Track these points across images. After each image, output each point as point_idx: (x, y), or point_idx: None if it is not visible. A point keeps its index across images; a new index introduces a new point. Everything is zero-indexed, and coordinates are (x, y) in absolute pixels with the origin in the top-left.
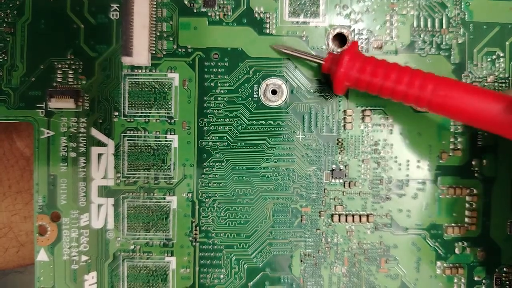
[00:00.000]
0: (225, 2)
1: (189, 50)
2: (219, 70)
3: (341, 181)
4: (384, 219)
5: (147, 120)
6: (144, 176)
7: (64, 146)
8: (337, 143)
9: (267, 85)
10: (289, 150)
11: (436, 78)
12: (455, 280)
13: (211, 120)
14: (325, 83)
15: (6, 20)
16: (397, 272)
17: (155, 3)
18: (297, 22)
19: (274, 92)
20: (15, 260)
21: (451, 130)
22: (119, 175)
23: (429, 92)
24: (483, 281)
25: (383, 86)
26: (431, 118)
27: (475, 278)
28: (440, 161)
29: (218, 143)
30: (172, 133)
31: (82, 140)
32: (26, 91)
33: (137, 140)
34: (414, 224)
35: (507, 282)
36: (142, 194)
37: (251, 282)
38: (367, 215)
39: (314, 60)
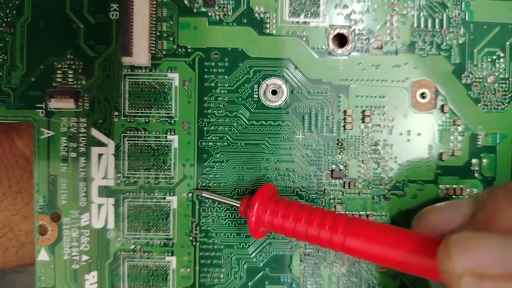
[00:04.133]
0: (225, 2)
1: (189, 50)
2: (219, 70)
3: (341, 181)
4: (383, 219)
5: (147, 120)
6: (144, 176)
7: (64, 146)
8: (337, 143)
9: (267, 85)
10: (289, 150)
11: (346, 219)
12: None
13: (211, 120)
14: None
15: (5, 20)
16: (396, 272)
17: (155, 3)
18: (297, 22)
19: (274, 92)
20: (15, 260)
21: (451, 130)
22: (120, 175)
23: (340, 234)
24: None
25: (295, 229)
26: (431, 118)
27: None
28: (440, 161)
29: (218, 143)
30: (172, 133)
31: (82, 140)
32: (26, 91)
33: (137, 140)
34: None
35: None
36: (142, 194)
37: (251, 282)
38: (367, 215)
39: (231, 203)
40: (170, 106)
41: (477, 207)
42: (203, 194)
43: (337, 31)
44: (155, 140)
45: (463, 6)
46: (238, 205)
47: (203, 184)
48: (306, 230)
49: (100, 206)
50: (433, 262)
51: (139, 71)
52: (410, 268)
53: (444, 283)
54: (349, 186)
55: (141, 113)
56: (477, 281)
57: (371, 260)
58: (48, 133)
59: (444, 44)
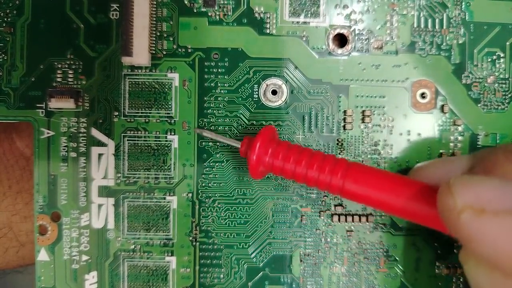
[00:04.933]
0: (225, 2)
1: (189, 50)
2: (219, 70)
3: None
4: (383, 219)
5: (147, 120)
6: (144, 176)
7: (64, 146)
8: (337, 143)
9: (267, 85)
10: None
11: (347, 163)
12: (454, 280)
13: (211, 120)
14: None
15: (5, 20)
16: (396, 272)
17: (155, 3)
18: (297, 22)
19: (274, 92)
20: (15, 260)
21: (451, 130)
22: (120, 175)
23: (340, 177)
24: None
25: (295, 171)
26: (431, 118)
27: None
28: None
29: (218, 143)
30: (172, 133)
31: (82, 140)
32: (26, 91)
33: (137, 140)
34: (413, 224)
35: None
36: (142, 194)
37: (251, 282)
38: (367, 215)
39: (232, 144)
40: (170, 106)
41: (475, 162)
42: (204, 133)
43: (337, 31)
44: (155, 140)
45: (463, 6)
46: (239, 145)
47: (203, 185)
48: (306, 172)
49: (100, 206)
50: (433, 209)
51: (139, 71)
52: (409, 214)
53: (443, 220)
54: None
55: (141, 113)
56: (476, 216)
57: (370, 204)
58: (48, 133)
59: (444, 44)
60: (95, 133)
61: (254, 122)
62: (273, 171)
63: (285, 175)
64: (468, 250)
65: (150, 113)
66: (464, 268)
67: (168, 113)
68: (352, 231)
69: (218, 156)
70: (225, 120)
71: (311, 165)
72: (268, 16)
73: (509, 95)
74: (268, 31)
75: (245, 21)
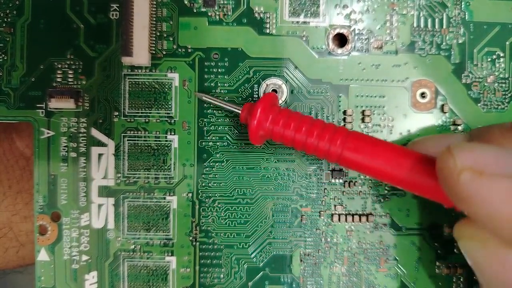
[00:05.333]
0: (225, 2)
1: (189, 50)
2: (219, 70)
3: (341, 181)
4: (383, 219)
5: (147, 120)
6: (144, 176)
7: (64, 146)
8: None
9: (267, 85)
10: (289, 150)
11: (346, 132)
12: (454, 280)
13: (211, 120)
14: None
15: (5, 20)
16: (396, 272)
17: (155, 3)
18: (297, 22)
19: (274, 92)
20: (15, 260)
21: (451, 129)
22: (120, 175)
23: (339, 145)
24: None
25: (295, 138)
26: (431, 118)
27: (474, 277)
28: None
29: (218, 143)
30: (172, 133)
31: (82, 140)
32: (26, 91)
33: (137, 140)
34: (414, 223)
35: None
36: (142, 194)
37: (251, 282)
38: (367, 215)
39: (232, 109)
40: (170, 106)
41: (472, 139)
42: (204, 98)
43: (337, 31)
44: (155, 140)
45: (463, 6)
46: (239, 111)
47: (203, 185)
48: (306, 139)
49: (100, 206)
50: (432, 179)
51: (139, 71)
52: (407, 183)
53: (442, 181)
54: (349, 186)
55: (141, 113)
56: (476, 177)
57: (368, 173)
58: (48, 133)
59: (444, 44)
60: (95, 133)
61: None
62: (273, 137)
63: (285, 142)
64: (461, 222)
65: (150, 113)
66: (459, 244)
67: (168, 113)
68: (352, 231)
69: (218, 156)
70: (225, 120)
71: (311, 132)
72: (268, 16)
73: (509, 95)
74: (268, 31)
75: (245, 21)
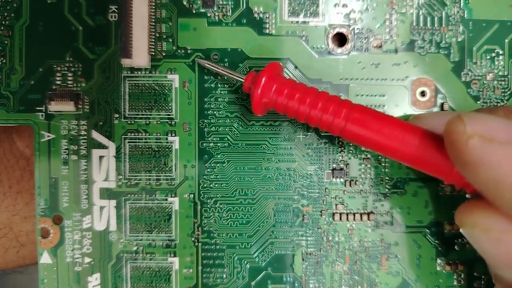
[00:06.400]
0: (224, 3)
1: (189, 51)
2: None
3: (342, 180)
4: (384, 217)
5: (147, 122)
6: (145, 177)
7: (65, 149)
8: (338, 142)
9: None
10: (290, 150)
11: (351, 104)
12: (455, 276)
13: (211, 121)
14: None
15: (3, 23)
16: (398, 269)
17: (154, 4)
18: (297, 22)
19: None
20: (15, 260)
21: None
22: (121, 177)
23: (343, 116)
24: (482, 276)
25: (299, 109)
26: None
27: (475, 274)
28: None
29: (219, 144)
30: (173, 135)
31: (83, 142)
32: (26, 94)
33: (138, 142)
34: (414, 221)
35: None
36: (144, 196)
37: (254, 281)
38: (368, 214)
39: (235, 77)
40: (170, 108)
41: None
42: (206, 65)
43: (337, 30)
44: (156, 142)
45: (462, 4)
46: (243, 80)
47: (205, 186)
48: (309, 111)
49: (102, 208)
50: (436, 154)
51: (139, 72)
52: (411, 158)
53: (449, 145)
54: (350, 185)
55: (142, 114)
56: (485, 143)
57: (372, 147)
58: (48, 136)
59: (443, 42)
60: (96, 135)
61: (255, 122)
62: (276, 107)
63: (288, 113)
64: (469, 175)
65: (150, 114)
66: (462, 231)
67: (169, 115)
68: (353, 229)
69: (219, 156)
70: (226, 121)
71: (315, 104)
72: (267, 16)
73: (508, 92)
74: (267, 31)
75: (245, 21)
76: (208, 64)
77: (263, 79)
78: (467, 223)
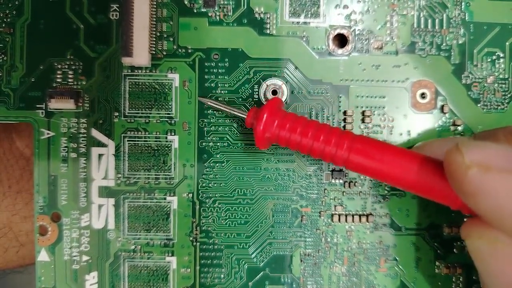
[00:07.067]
0: (225, 2)
1: (189, 51)
2: (220, 70)
3: (341, 181)
4: (383, 219)
5: (147, 121)
6: (144, 176)
7: (65, 147)
8: None
9: (267, 85)
10: (290, 150)
11: (352, 135)
12: (454, 279)
13: (211, 120)
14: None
15: (5, 20)
16: (396, 272)
17: (155, 3)
18: (298, 23)
19: (274, 92)
20: (15, 260)
21: (451, 130)
22: (120, 175)
23: (345, 148)
24: None
25: (301, 142)
26: (431, 118)
27: (474, 277)
28: None
29: (218, 144)
30: (173, 134)
31: (82, 140)
32: (26, 91)
33: (138, 140)
34: (413, 223)
35: None
36: (142, 195)
37: (251, 282)
38: (367, 215)
39: (237, 114)
40: (170, 107)
41: None
42: (208, 103)
43: (337, 31)
44: (155, 141)
45: (463, 7)
46: (245, 116)
47: (204, 185)
48: (312, 144)
49: (100, 206)
50: (438, 180)
51: (139, 71)
52: (414, 186)
53: (449, 176)
54: (349, 186)
55: (141, 113)
56: (483, 172)
57: (375, 176)
58: (48, 134)
59: (444, 44)
60: (95, 133)
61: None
62: (279, 141)
63: (291, 146)
64: (468, 222)
65: (150, 113)
66: (466, 243)
67: (169, 114)
68: (352, 231)
69: (218, 156)
70: (226, 121)
71: (317, 136)
72: (268, 16)
73: (509, 95)
74: (268, 32)
75: (245, 21)
76: (210, 102)
77: (265, 115)
78: (473, 233)
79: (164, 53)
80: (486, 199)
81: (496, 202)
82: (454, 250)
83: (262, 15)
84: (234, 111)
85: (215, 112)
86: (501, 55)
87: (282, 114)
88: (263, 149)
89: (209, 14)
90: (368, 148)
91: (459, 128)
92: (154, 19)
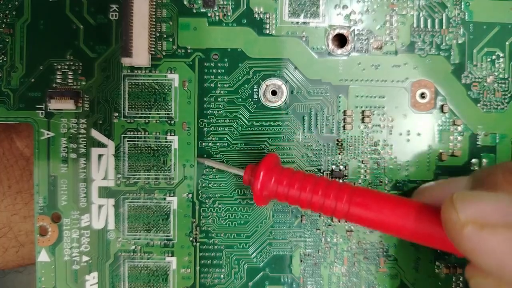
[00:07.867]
0: (225, 3)
1: (189, 51)
2: (219, 70)
3: (341, 181)
4: None
5: (147, 121)
6: (144, 177)
7: (64, 147)
8: (337, 144)
9: (267, 85)
10: (289, 150)
11: (350, 188)
12: (454, 279)
13: (211, 121)
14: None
15: (5, 21)
16: (396, 272)
17: (154, 3)
18: (297, 23)
19: (274, 92)
20: (15, 260)
21: (451, 130)
22: (120, 176)
23: (345, 201)
24: None
25: (300, 197)
26: (430, 118)
27: None
28: (440, 161)
29: (218, 144)
30: (172, 134)
31: (82, 141)
32: (26, 92)
33: (137, 141)
34: None
35: None
36: (142, 195)
37: (251, 282)
38: None
39: (235, 172)
40: (170, 107)
41: (476, 184)
42: (206, 163)
43: (337, 31)
44: (155, 141)
45: (462, 6)
46: (242, 173)
47: (203, 185)
48: (311, 198)
49: (100, 207)
50: (440, 230)
51: (139, 72)
52: (416, 236)
53: (448, 234)
54: None
55: (141, 114)
56: (479, 229)
57: (377, 228)
58: (48, 134)
59: (443, 44)
60: (95, 134)
61: (254, 122)
62: (278, 197)
63: (289, 201)
64: (473, 263)
65: (150, 113)
66: (470, 282)
67: (168, 114)
68: (352, 231)
69: (218, 156)
70: (225, 121)
71: (315, 191)
72: (268, 16)
73: (509, 95)
74: (267, 32)
75: (245, 21)
76: (208, 161)
77: (261, 173)
78: (478, 273)
79: (164, 53)
80: (484, 257)
81: (495, 259)
82: None
83: (261, 15)
84: (231, 169)
85: (214, 112)
86: (501, 54)
87: (279, 169)
88: (261, 206)
89: (209, 14)
90: (368, 200)
91: (459, 128)
92: (154, 20)
